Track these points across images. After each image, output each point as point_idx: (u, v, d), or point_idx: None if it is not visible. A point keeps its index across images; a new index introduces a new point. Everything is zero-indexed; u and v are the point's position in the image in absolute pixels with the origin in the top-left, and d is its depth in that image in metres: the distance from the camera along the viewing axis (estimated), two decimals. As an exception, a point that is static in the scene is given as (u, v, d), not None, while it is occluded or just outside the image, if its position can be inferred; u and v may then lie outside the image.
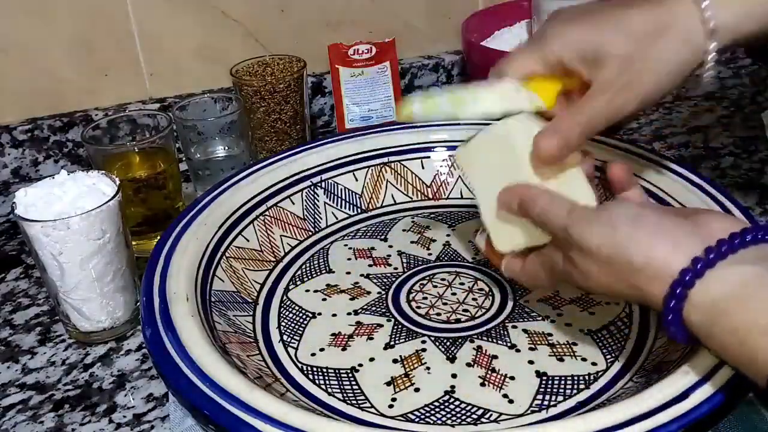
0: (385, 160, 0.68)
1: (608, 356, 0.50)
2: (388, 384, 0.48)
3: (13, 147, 0.78)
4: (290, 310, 0.56)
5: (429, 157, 0.69)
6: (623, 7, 0.45)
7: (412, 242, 0.63)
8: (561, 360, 0.50)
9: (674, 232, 0.39)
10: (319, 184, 0.66)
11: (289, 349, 0.52)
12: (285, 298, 0.58)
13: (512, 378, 0.48)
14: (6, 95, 0.78)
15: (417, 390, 0.48)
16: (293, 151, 0.67)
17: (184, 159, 0.73)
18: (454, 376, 0.49)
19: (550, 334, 0.52)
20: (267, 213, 0.62)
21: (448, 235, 0.64)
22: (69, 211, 0.51)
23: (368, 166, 0.68)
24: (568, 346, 0.51)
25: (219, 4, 0.81)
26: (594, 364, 0.49)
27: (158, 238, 0.65)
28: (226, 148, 0.73)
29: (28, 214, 0.51)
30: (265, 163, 0.65)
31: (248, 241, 0.60)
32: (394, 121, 0.82)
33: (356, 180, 0.67)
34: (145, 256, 0.65)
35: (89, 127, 0.66)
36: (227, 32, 0.82)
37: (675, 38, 0.44)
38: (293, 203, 0.64)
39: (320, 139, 0.70)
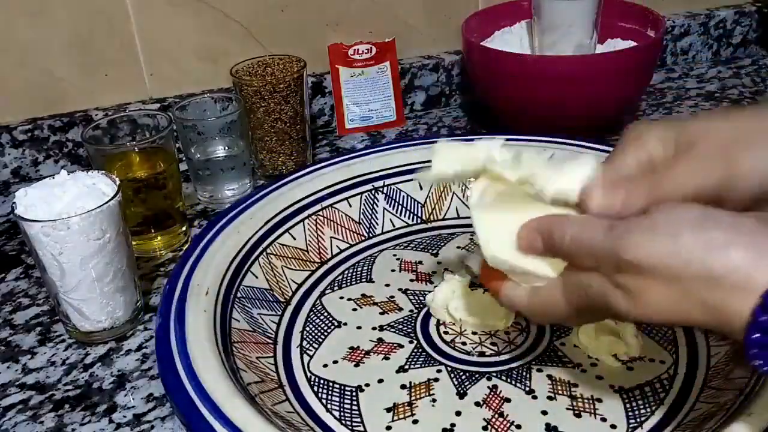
0: None
1: (632, 420, 0.45)
2: (388, 410, 0.46)
3: (13, 147, 0.78)
4: (319, 315, 0.55)
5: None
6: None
7: (462, 261, 0.60)
8: (578, 416, 0.45)
9: (755, 234, 0.32)
10: (381, 189, 0.64)
11: (305, 356, 0.51)
12: (318, 302, 0.56)
13: (518, 427, 0.45)
14: (6, 95, 0.78)
15: (415, 422, 0.45)
16: (358, 153, 0.65)
17: (184, 159, 0.74)
18: (458, 413, 0.46)
19: (576, 385, 0.47)
20: (321, 213, 0.61)
21: None
22: (69, 211, 0.51)
23: None
24: (591, 401, 0.46)
25: (219, 4, 0.81)
26: (613, 427, 0.44)
27: (158, 238, 0.66)
28: (226, 148, 0.73)
29: (28, 214, 0.51)
30: (327, 163, 0.64)
31: (295, 239, 0.59)
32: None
33: (421, 189, 0.65)
34: (145, 256, 0.66)
35: (89, 127, 0.66)
36: (227, 32, 0.82)
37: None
38: (350, 206, 0.63)
39: (388, 143, 0.67)
